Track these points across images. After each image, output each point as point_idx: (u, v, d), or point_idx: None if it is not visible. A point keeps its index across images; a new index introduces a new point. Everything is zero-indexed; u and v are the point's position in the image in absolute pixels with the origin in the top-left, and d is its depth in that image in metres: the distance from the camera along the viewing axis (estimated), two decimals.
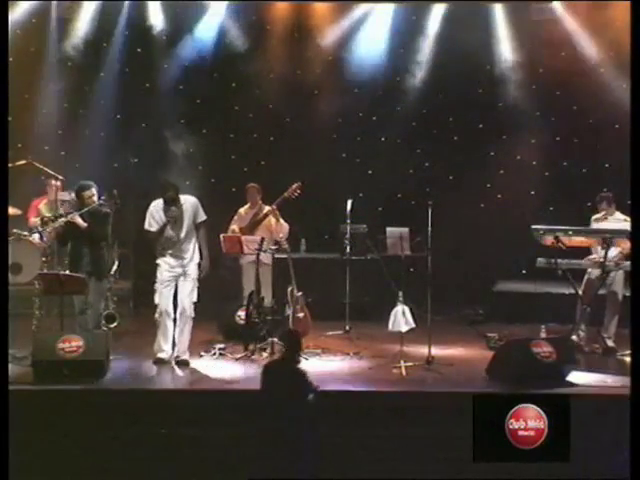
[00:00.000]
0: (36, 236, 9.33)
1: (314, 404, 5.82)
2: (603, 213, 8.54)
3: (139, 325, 9.64)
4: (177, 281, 7.66)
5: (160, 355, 7.58)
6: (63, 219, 7.74)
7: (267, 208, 9.04)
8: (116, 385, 6.83)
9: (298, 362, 6.05)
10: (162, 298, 7.59)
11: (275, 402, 5.75)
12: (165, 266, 7.66)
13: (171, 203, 7.62)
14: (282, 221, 8.87)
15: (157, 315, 7.61)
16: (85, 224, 7.73)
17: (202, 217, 7.83)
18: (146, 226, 7.73)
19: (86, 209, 7.74)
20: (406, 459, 6.01)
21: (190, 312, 7.66)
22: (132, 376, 7.17)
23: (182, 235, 7.68)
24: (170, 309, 7.62)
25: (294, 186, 8.82)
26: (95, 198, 7.83)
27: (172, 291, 7.66)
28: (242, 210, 9.19)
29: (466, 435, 5.43)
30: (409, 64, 11.26)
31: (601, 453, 6.05)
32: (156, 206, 7.73)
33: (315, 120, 11.01)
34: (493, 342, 8.34)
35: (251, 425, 6.06)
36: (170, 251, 7.66)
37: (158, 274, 7.66)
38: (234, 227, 9.05)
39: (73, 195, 9.20)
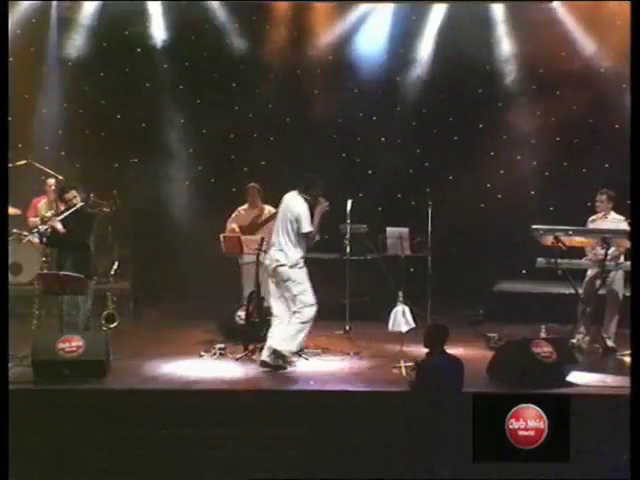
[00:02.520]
0: (36, 236, 9.35)
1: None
2: (602, 213, 8.53)
3: (139, 325, 9.66)
4: None
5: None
6: (44, 226, 7.75)
7: (268, 209, 9.01)
8: (116, 385, 6.83)
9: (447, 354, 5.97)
10: (313, 296, 7.51)
11: (438, 398, 5.67)
12: (304, 266, 7.53)
13: (319, 195, 7.54)
14: None
15: (313, 314, 7.46)
16: (63, 230, 7.73)
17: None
18: (309, 228, 7.42)
19: (66, 213, 7.78)
20: (406, 459, 6.00)
21: None
22: (132, 376, 7.17)
23: None
24: None
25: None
26: (77, 200, 7.84)
27: None
28: (241, 209, 9.17)
29: (466, 435, 5.44)
30: (409, 64, 11.26)
31: (601, 453, 6.05)
32: (304, 204, 7.47)
33: (315, 120, 11.00)
34: (493, 342, 8.33)
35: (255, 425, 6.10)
36: (305, 251, 7.54)
37: (303, 274, 7.48)
38: (234, 226, 9.02)
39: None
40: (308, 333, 7.53)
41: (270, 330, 7.49)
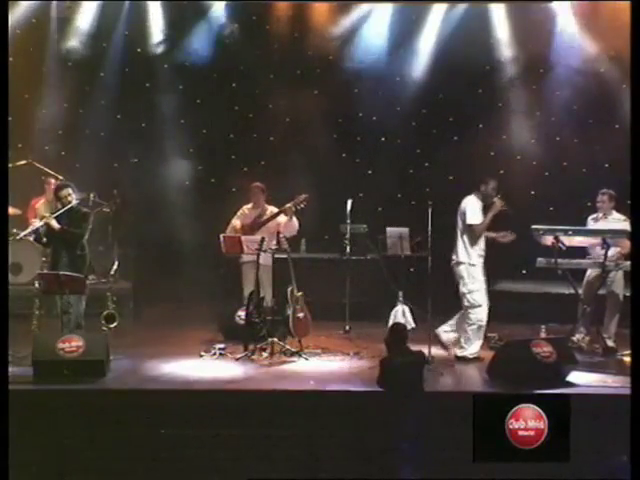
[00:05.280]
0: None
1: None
2: (603, 213, 8.53)
3: (139, 325, 9.67)
4: None
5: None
6: (40, 223, 7.74)
7: (270, 209, 9.00)
8: (116, 385, 6.83)
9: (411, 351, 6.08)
10: (485, 297, 7.74)
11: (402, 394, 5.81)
12: (480, 266, 7.76)
13: (494, 195, 7.81)
14: (294, 219, 8.79)
15: (484, 315, 7.74)
16: (58, 226, 7.71)
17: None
18: (471, 220, 7.78)
19: (61, 210, 7.75)
20: (406, 459, 6.01)
21: None
22: (132, 376, 7.16)
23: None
24: None
25: (301, 197, 8.71)
26: (72, 197, 7.84)
27: None
28: (245, 208, 9.17)
29: (466, 435, 5.44)
30: (409, 64, 11.25)
31: (601, 453, 6.05)
32: (473, 201, 7.85)
33: (315, 120, 11.00)
34: (493, 342, 8.33)
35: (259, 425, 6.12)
36: (481, 250, 7.79)
37: (475, 273, 7.73)
38: (236, 222, 9.01)
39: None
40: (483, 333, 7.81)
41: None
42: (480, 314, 7.73)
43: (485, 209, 7.87)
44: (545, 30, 10.87)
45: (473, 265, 7.76)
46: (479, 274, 7.79)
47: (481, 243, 7.83)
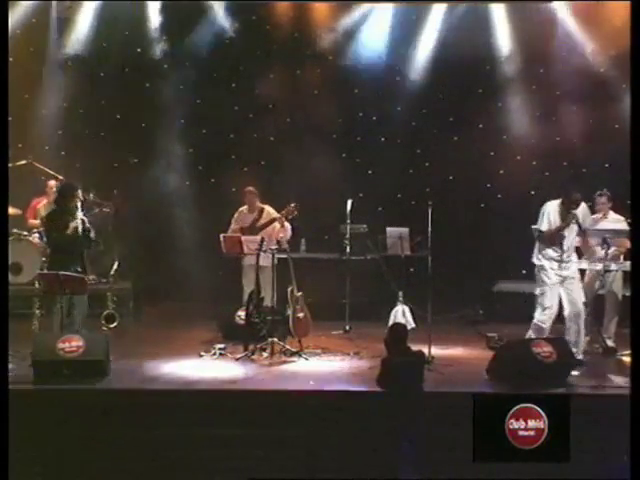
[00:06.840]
0: (36, 236, 9.36)
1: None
2: (602, 214, 8.53)
3: (139, 325, 9.67)
4: (562, 284, 7.73)
5: None
6: (77, 221, 7.70)
7: (267, 209, 9.03)
8: (116, 385, 6.83)
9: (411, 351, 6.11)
10: (552, 300, 7.69)
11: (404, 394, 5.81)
12: (551, 270, 7.71)
13: (574, 207, 7.71)
14: (287, 224, 8.86)
15: (546, 317, 7.64)
16: (89, 225, 7.76)
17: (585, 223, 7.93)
18: (537, 226, 7.80)
19: (89, 211, 7.83)
20: (406, 459, 6.01)
21: (584, 313, 7.75)
22: (132, 376, 7.17)
23: (571, 239, 7.78)
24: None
25: (291, 207, 8.75)
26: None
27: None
28: (242, 209, 9.22)
29: (466, 435, 5.44)
30: (409, 64, 11.25)
31: (601, 453, 6.06)
32: (553, 207, 7.80)
33: (315, 120, 10.99)
34: (493, 342, 8.33)
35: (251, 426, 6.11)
36: (556, 255, 7.72)
37: (544, 276, 7.70)
38: (235, 227, 9.09)
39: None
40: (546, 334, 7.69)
41: None
42: (542, 316, 7.67)
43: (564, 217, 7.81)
44: (545, 30, 10.86)
45: (543, 268, 7.73)
46: (547, 277, 7.71)
47: (557, 247, 7.78)
